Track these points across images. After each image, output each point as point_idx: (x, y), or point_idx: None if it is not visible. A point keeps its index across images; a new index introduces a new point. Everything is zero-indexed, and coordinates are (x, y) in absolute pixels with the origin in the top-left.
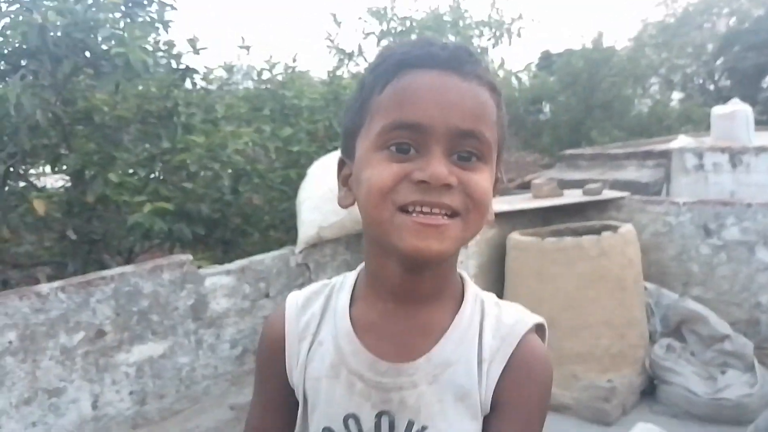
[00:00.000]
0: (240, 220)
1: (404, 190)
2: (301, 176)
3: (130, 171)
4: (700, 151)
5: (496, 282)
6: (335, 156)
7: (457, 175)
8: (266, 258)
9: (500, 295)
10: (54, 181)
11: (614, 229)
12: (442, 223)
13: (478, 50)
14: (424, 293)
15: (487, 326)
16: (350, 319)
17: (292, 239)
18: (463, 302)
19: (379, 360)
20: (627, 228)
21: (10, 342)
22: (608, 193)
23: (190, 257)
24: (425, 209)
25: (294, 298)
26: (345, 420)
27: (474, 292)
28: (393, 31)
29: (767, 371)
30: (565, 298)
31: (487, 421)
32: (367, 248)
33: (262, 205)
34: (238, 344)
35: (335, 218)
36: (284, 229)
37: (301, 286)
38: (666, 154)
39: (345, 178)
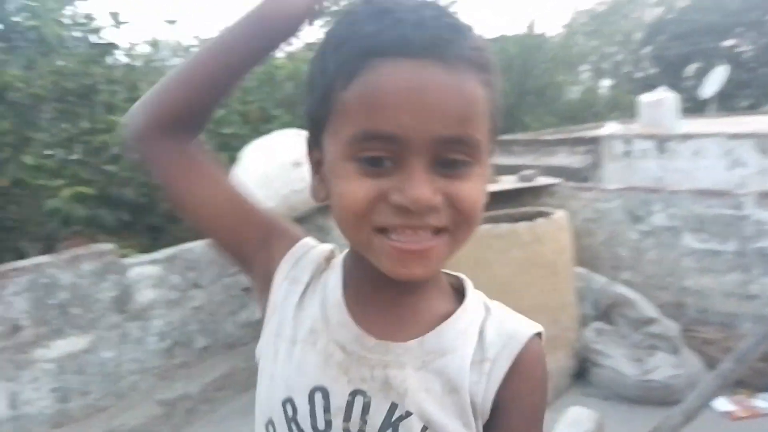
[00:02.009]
0: (169, 205)
1: (382, 211)
2: (233, 159)
3: (47, 152)
4: (628, 137)
5: None
6: (269, 140)
7: (442, 189)
8: (196, 246)
9: None
10: None
11: (547, 215)
12: (426, 247)
13: None
14: (419, 285)
15: (489, 325)
16: (343, 294)
17: None
18: (466, 296)
19: (366, 334)
20: (560, 214)
21: None
22: (542, 180)
23: (112, 246)
24: (407, 232)
25: (312, 240)
26: (311, 393)
27: (474, 290)
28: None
29: (692, 353)
30: (500, 284)
31: (489, 423)
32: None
33: None
34: (166, 337)
35: (269, 204)
36: None
37: (233, 275)
38: (595, 141)
39: (317, 165)
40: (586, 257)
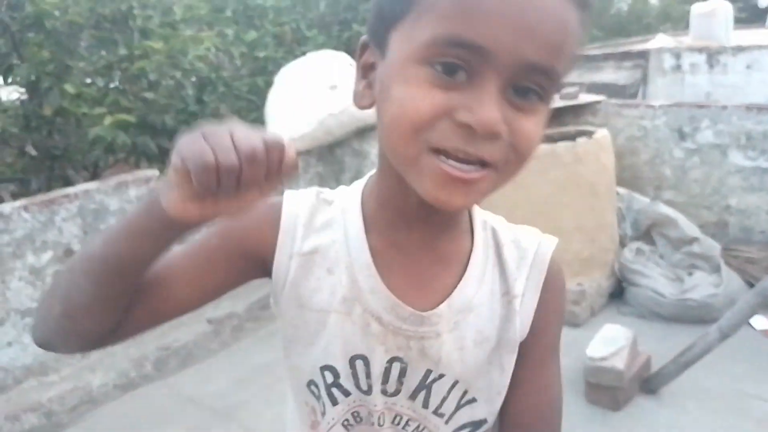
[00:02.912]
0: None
1: (442, 130)
2: (269, 84)
3: (87, 81)
4: (677, 51)
5: None
6: (305, 62)
7: (508, 120)
8: None
9: None
10: (8, 94)
11: (589, 134)
12: (473, 177)
13: None
14: (442, 222)
15: (507, 256)
16: (369, 249)
17: None
18: (474, 233)
19: (401, 304)
20: (602, 133)
21: None
22: (584, 97)
23: (157, 172)
24: (460, 155)
25: (294, 207)
26: (352, 360)
27: (482, 218)
28: None
29: (733, 273)
30: (539, 204)
31: (522, 344)
32: (382, 165)
33: (229, 116)
34: None
35: (307, 129)
36: None
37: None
38: (644, 55)
39: (366, 67)
40: (628, 177)
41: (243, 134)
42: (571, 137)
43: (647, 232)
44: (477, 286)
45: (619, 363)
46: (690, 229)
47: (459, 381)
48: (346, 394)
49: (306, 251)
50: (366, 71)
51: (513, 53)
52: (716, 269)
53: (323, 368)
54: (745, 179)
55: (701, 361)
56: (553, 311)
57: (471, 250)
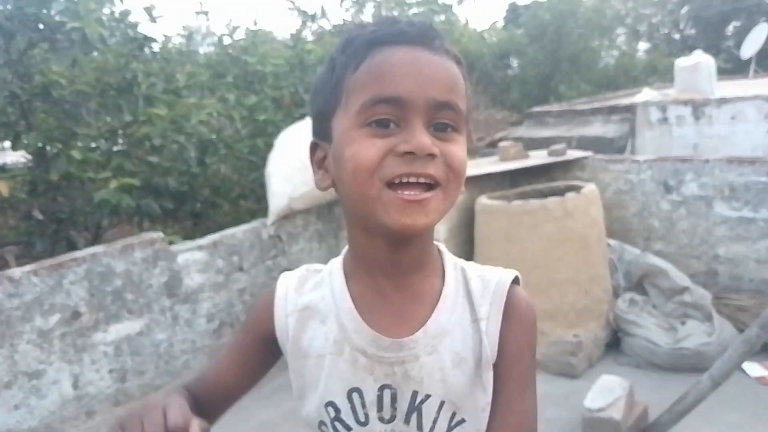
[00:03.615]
0: (209, 191)
1: (390, 164)
2: (269, 145)
3: (93, 145)
4: (663, 104)
5: (466, 244)
6: (303, 125)
7: (438, 146)
8: (238, 231)
9: (470, 258)
10: (16, 158)
11: (578, 189)
12: (425, 197)
13: (444, 7)
14: (411, 264)
15: (474, 288)
16: (350, 296)
17: (263, 209)
18: (446, 271)
19: (380, 336)
20: (590, 188)
21: None
22: (572, 153)
23: (161, 234)
24: (411, 180)
25: (285, 278)
26: (349, 393)
27: (452, 260)
28: None
29: (725, 320)
30: (532, 259)
31: (494, 371)
32: (350, 227)
33: (230, 176)
34: (214, 318)
35: (306, 188)
36: (254, 199)
37: (274, 258)
38: (631, 109)
39: (320, 161)
40: (618, 229)
41: (152, 424)
42: (561, 192)
43: (639, 283)
44: (449, 314)
45: (617, 414)
46: (680, 278)
47: (445, 401)
48: (348, 428)
49: (300, 307)
50: (319, 164)
51: (423, 96)
52: (708, 318)
53: (326, 405)
54: (732, 229)
55: (698, 409)
56: (525, 341)
57: (442, 288)
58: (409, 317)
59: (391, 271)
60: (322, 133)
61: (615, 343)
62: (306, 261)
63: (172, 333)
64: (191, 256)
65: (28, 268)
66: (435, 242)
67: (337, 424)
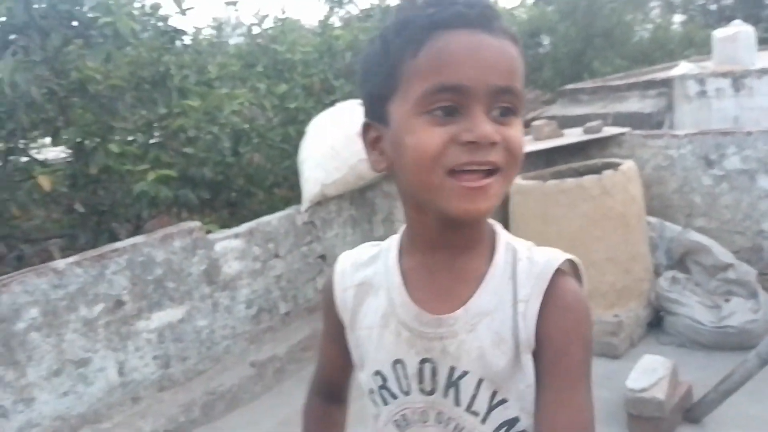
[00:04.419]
0: (243, 181)
1: (452, 152)
2: (300, 133)
3: (130, 139)
4: (701, 77)
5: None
6: (333, 111)
7: (498, 132)
8: (273, 219)
9: None
10: (56, 153)
11: (615, 166)
12: (486, 183)
13: None
14: (461, 244)
15: (520, 269)
16: (400, 273)
17: (297, 196)
18: (496, 251)
19: (423, 312)
20: (628, 165)
21: (34, 318)
22: (608, 130)
23: (199, 224)
24: (474, 168)
25: (343, 256)
26: (393, 364)
27: (506, 240)
28: None
29: None
30: (569, 239)
31: (535, 358)
32: (405, 207)
33: (264, 165)
34: (253, 304)
35: (338, 174)
36: (288, 186)
37: (309, 244)
38: (668, 83)
39: (373, 142)
40: (658, 206)
41: None
42: (598, 170)
43: (681, 261)
44: (492, 295)
45: (660, 393)
46: (724, 255)
47: (484, 380)
48: (394, 396)
49: (357, 282)
50: (373, 145)
51: (484, 83)
52: (753, 294)
53: (374, 374)
54: None
55: (744, 387)
56: (572, 332)
57: (488, 268)
58: (453, 295)
59: (442, 250)
60: (376, 115)
61: (657, 322)
62: (340, 246)
63: (213, 319)
64: (228, 244)
65: (71, 259)
66: (491, 222)
67: (383, 392)
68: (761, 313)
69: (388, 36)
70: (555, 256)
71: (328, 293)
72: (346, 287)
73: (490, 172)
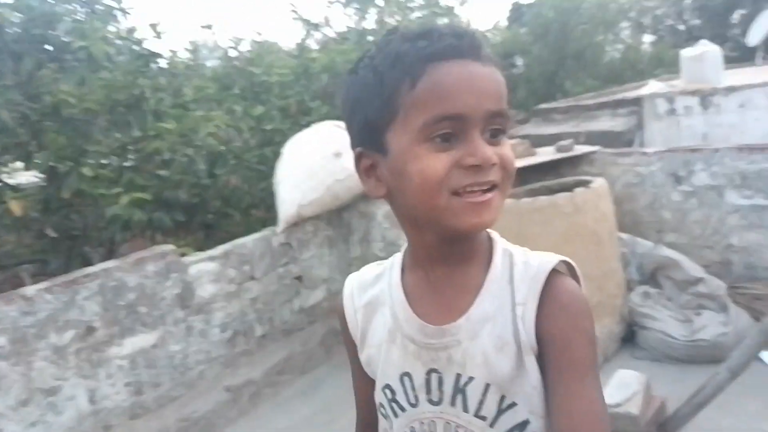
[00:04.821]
0: (220, 202)
1: (456, 176)
2: (277, 154)
3: (104, 162)
4: (670, 95)
5: None
6: (310, 133)
7: (494, 152)
8: (248, 241)
9: None
10: (28, 178)
11: (587, 184)
12: (488, 198)
13: (446, 9)
14: (459, 256)
15: (516, 274)
16: (403, 289)
17: (274, 217)
18: (493, 258)
19: (426, 324)
20: (599, 182)
21: (2, 346)
22: (580, 149)
23: (172, 247)
24: (475, 188)
25: (350, 279)
26: (401, 377)
27: (503, 247)
28: None
29: (740, 310)
30: None
31: (541, 359)
32: (403, 226)
33: (240, 186)
34: (228, 327)
35: (315, 195)
36: (265, 208)
37: (285, 265)
38: (638, 101)
39: (367, 170)
40: (629, 222)
41: None
42: (570, 188)
43: (653, 276)
44: (492, 301)
45: (634, 408)
46: (694, 269)
47: (491, 384)
48: (402, 409)
49: (365, 303)
50: (368, 172)
51: (480, 110)
52: (724, 308)
53: (383, 387)
54: (744, 217)
55: (716, 401)
56: (572, 328)
57: (487, 275)
58: (455, 305)
59: (441, 264)
60: (372, 144)
61: (630, 337)
62: (317, 267)
63: (187, 344)
64: (203, 267)
65: (41, 285)
66: (489, 231)
67: (393, 405)
68: (731, 326)
69: (380, 68)
70: (549, 258)
71: (341, 319)
72: (356, 309)
73: (490, 188)
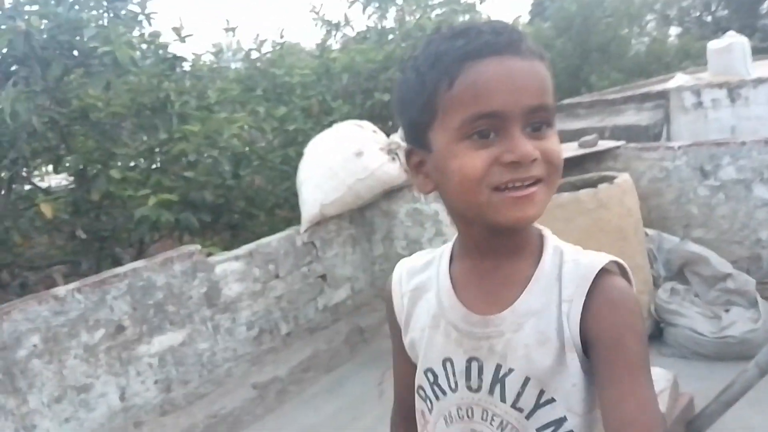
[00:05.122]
0: (244, 203)
1: (496, 172)
2: (300, 154)
3: (131, 164)
4: (697, 88)
5: None
6: (332, 132)
7: (536, 146)
8: (272, 240)
9: None
10: (58, 181)
11: (611, 180)
12: (531, 192)
13: (467, 6)
14: (507, 249)
15: (566, 271)
16: (450, 278)
17: (298, 217)
18: (543, 253)
19: (470, 313)
20: (623, 178)
21: (35, 345)
22: (603, 144)
23: (199, 247)
24: (517, 184)
25: (399, 264)
26: (443, 362)
27: (554, 243)
28: None
29: None
30: None
31: (591, 357)
32: (453, 218)
33: (264, 187)
34: (254, 326)
35: (336, 195)
36: (289, 207)
37: (309, 264)
38: (664, 95)
39: (417, 166)
40: (655, 218)
41: None
42: (594, 184)
43: (680, 272)
44: (538, 296)
45: (661, 406)
46: (722, 265)
47: (531, 378)
48: (444, 392)
49: (412, 288)
50: (418, 169)
51: (518, 106)
52: (753, 304)
53: (426, 371)
54: None
55: (746, 398)
56: (623, 326)
57: (535, 270)
58: (501, 297)
59: (489, 255)
60: (418, 142)
61: (658, 334)
62: (340, 266)
63: (214, 342)
64: (228, 266)
65: (72, 285)
66: (539, 227)
67: (435, 388)
68: (761, 323)
69: (421, 69)
70: (599, 258)
71: (388, 302)
72: (403, 293)
73: (534, 183)
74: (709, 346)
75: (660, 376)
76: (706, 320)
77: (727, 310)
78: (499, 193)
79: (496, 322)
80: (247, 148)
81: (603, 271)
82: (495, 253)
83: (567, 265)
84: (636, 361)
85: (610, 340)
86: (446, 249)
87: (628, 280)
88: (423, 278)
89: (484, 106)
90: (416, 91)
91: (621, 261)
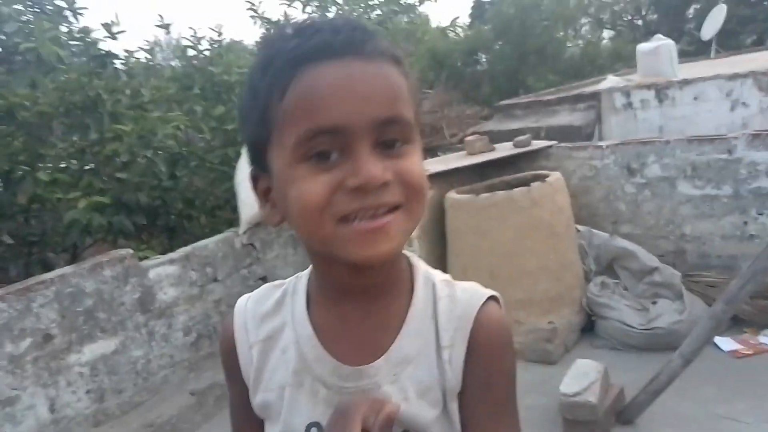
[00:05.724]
0: (182, 205)
1: (340, 200)
2: (240, 154)
3: (62, 165)
4: (627, 89)
5: (439, 240)
6: None
7: (389, 168)
8: (210, 243)
9: (443, 252)
10: None
11: (543, 178)
12: (385, 222)
13: (407, 6)
14: (376, 288)
15: (441, 310)
16: (310, 323)
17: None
18: (414, 291)
19: (341, 365)
20: (555, 176)
21: None
22: (536, 144)
23: (130, 251)
24: (368, 214)
25: (242, 305)
26: (308, 428)
27: (424, 275)
28: None
29: (695, 298)
30: (502, 250)
31: (460, 400)
32: (309, 254)
33: (203, 188)
34: (191, 331)
35: None
36: (231, 209)
37: (249, 266)
38: (596, 96)
39: (264, 193)
40: (585, 215)
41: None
42: (527, 182)
43: (609, 266)
44: (413, 340)
45: (592, 397)
46: (649, 259)
47: (409, 430)
48: None
49: (263, 338)
50: (266, 196)
51: (361, 118)
52: (679, 296)
53: None
54: (696, 207)
55: (674, 387)
56: (495, 367)
57: (408, 310)
58: (374, 343)
59: (355, 297)
60: (260, 165)
61: (590, 327)
62: (281, 267)
63: (149, 349)
64: (163, 270)
65: None
66: (406, 253)
67: None
68: (686, 314)
69: (254, 76)
70: (476, 293)
71: (228, 354)
72: (251, 344)
73: (389, 210)
74: (638, 338)
75: (591, 368)
76: (634, 312)
77: (654, 303)
78: (346, 225)
79: (370, 373)
80: (183, 149)
81: (479, 308)
82: (361, 294)
83: (441, 302)
84: (502, 403)
85: (478, 381)
86: (299, 285)
87: (500, 307)
88: (275, 324)
89: (320, 120)
90: (250, 104)
91: (496, 293)
